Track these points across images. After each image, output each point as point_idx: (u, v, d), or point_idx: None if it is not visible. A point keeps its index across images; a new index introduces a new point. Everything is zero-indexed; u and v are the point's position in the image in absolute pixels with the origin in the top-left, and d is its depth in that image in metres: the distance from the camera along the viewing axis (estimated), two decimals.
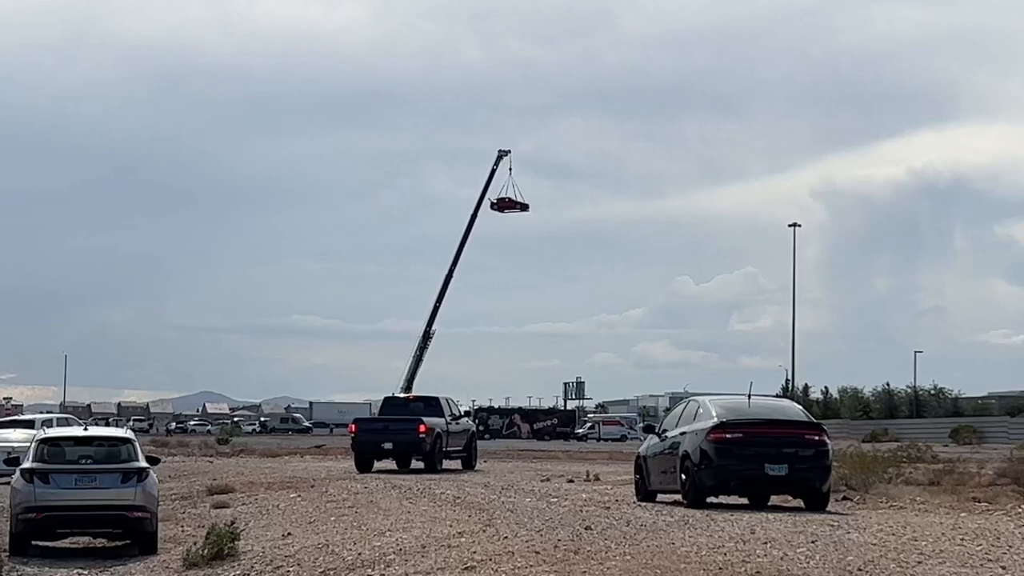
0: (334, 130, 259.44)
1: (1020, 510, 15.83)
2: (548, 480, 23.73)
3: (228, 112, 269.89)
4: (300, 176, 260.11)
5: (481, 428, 67.60)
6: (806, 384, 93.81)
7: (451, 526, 13.54)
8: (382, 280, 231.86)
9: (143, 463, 15.75)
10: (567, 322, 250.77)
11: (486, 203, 77.30)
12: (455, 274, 77.19)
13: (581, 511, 14.89)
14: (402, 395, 41.68)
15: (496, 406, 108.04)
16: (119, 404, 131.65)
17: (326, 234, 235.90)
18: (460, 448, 29.22)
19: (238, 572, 12.65)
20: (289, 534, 14.79)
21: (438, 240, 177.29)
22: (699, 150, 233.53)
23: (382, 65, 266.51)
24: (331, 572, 11.49)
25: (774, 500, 16.91)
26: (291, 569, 12.10)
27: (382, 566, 11.19)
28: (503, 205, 76.95)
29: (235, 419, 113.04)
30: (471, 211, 77.89)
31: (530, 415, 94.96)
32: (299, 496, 19.58)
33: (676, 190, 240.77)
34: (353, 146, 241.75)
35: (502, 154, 76.97)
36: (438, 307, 76.72)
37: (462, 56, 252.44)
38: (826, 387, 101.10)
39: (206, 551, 13.47)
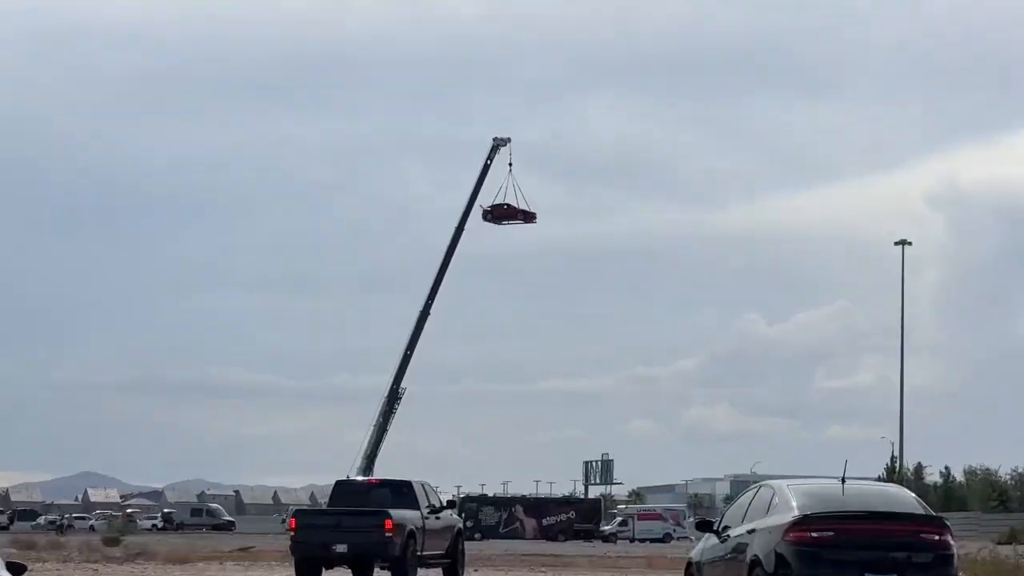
0: (272, 114, 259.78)
1: None
2: None
3: (126, 90, 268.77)
4: (223, 178, 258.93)
5: (470, 524, 69.15)
6: (919, 463, 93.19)
7: None
8: (334, 319, 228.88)
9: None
10: (590, 377, 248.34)
11: (477, 211, 78.18)
12: (433, 310, 78.21)
13: None
14: (360, 478, 42.19)
15: (491, 494, 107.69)
16: None
17: (259, 256, 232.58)
18: (441, 552, 28.66)
19: None
20: None
21: (411, 263, 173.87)
22: (773, 141, 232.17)
23: (338, 26, 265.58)
24: None
25: None
26: None
27: None
28: (500, 214, 77.81)
29: (129, 511, 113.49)
30: (456, 222, 78.56)
31: (538, 507, 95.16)
32: None
33: (741, 196, 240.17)
34: (297, 136, 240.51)
35: (499, 144, 77.99)
36: (409, 356, 77.57)
37: (448, 12, 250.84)
38: (947, 467, 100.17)
39: None
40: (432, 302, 77.86)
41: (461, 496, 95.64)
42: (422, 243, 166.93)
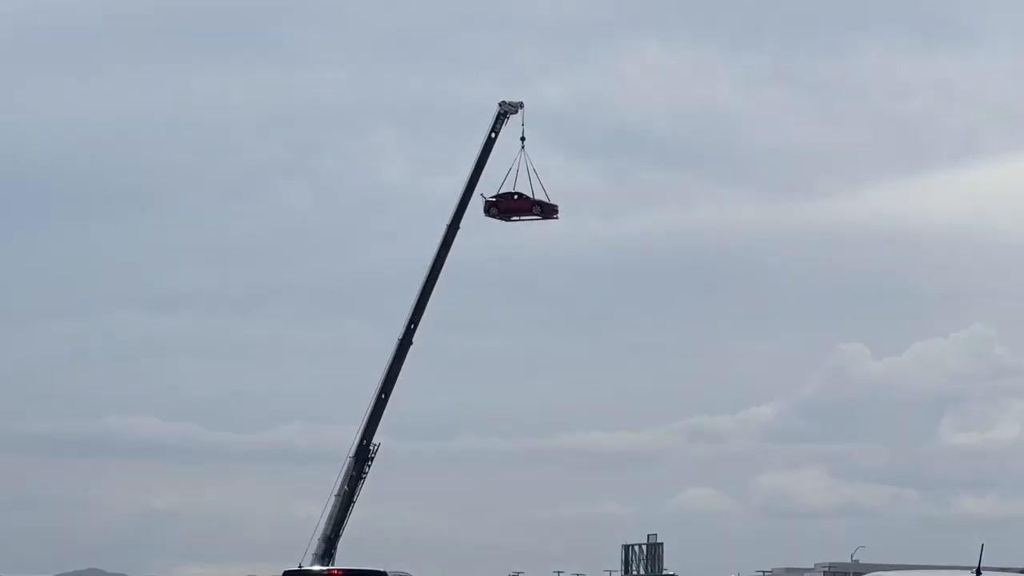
0: (195, 68, 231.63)
1: None
2: None
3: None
4: (126, 156, 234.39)
5: None
6: None
7: None
8: (278, 349, 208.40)
9: None
10: (631, 430, 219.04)
11: (477, 203, 74.80)
12: (417, 339, 74.71)
13: None
14: (317, 568, 42.19)
15: None
16: None
17: (174, 262, 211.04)
18: None
19: None
20: None
21: (386, 274, 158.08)
22: (884, 107, 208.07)
23: None
24: None
25: None
26: None
27: None
28: (509, 207, 75.00)
29: None
30: (448, 218, 74.81)
31: None
32: None
33: (839, 181, 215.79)
34: (231, 98, 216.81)
35: (507, 111, 74.79)
36: (384, 401, 74.40)
37: None
38: None
39: None
40: (415, 327, 74.32)
41: None
42: (401, 246, 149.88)
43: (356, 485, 73.65)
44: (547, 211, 75.22)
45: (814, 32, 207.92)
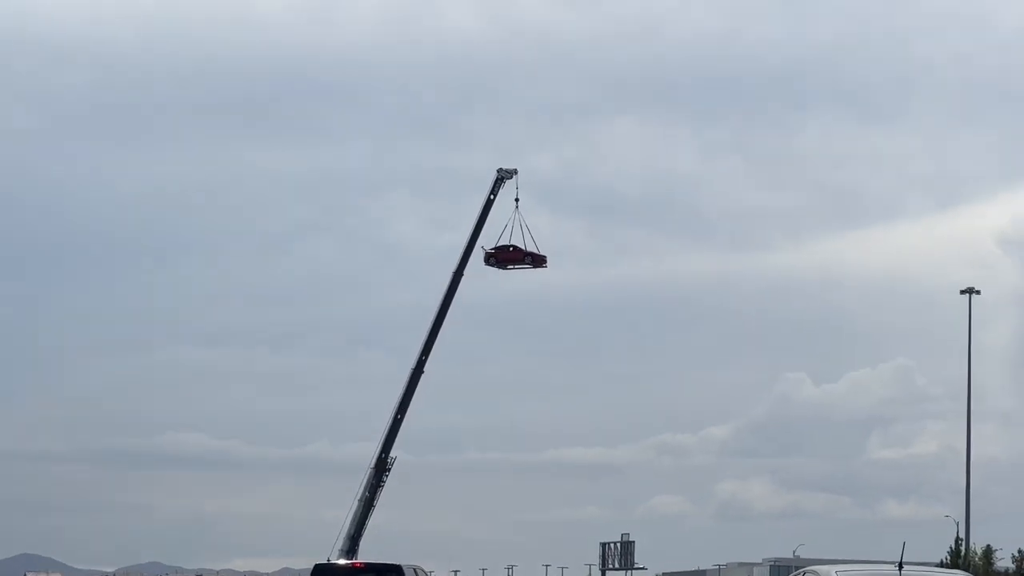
0: (241, 142, 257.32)
1: None
2: None
3: (72, 114, 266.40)
4: (184, 216, 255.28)
5: None
6: (989, 546, 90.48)
7: None
8: (310, 378, 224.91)
9: None
10: (608, 446, 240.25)
11: (478, 254, 77.80)
12: (428, 368, 77.44)
13: None
14: (343, 562, 42.98)
15: None
16: None
17: (220, 305, 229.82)
18: None
19: None
20: None
21: (401, 313, 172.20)
22: (822, 171, 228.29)
23: (320, 42, 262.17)
24: None
25: None
26: None
27: None
28: (505, 257, 77.44)
29: None
30: (454, 267, 78.09)
31: None
32: None
33: (785, 237, 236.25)
34: (270, 167, 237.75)
35: (503, 176, 77.90)
36: (400, 421, 76.83)
37: (445, 26, 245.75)
38: (1021, 551, 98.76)
39: None
40: (426, 358, 76.89)
41: None
42: (414, 290, 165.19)
43: (375, 492, 75.48)
44: (538, 261, 77.24)
45: (764, 110, 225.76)
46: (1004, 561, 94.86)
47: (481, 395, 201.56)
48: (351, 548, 73.02)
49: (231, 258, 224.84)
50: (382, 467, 76.28)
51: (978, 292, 78.35)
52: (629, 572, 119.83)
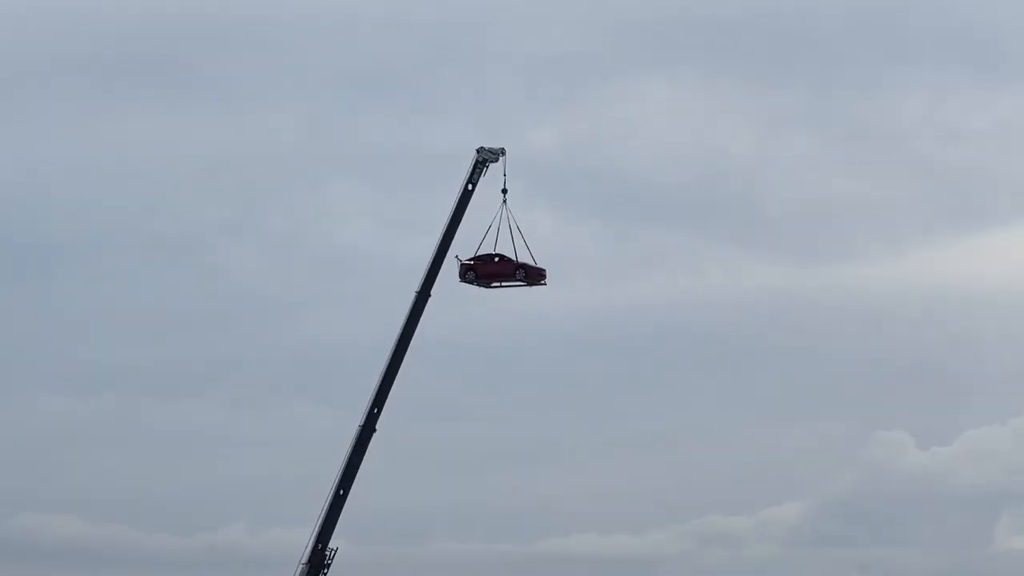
0: (121, 110, 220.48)
1: None
2: None
3: None
4: (42, 208, 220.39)
5: None
6: None
7: None
8: (222, 438, 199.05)
9: None
10: (632, 532, 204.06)
11: (451, 266, 72.45)
12: (381, 426, 71.39)
13: None
14: None
15: None
16: None
17: (96, 338, 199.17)
18: None
19: None
20: None
21: (345, 351, 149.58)
22: (929, 152, 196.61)
23: None
24: None
25: None
26: None
27: None
28: (489, 271, 72.85)
29: None
30: (417, 285, 71.78)
31: None
32: None
33: (878, 241, 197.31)
34: (166, 144, 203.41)
35: (486, 159, 72.40)
36: (343, 499, 70.73)
37: None
38: None
39: None
40: (379, 412, 70.58)
41: None
42: (362, 317, 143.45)
43: None
44: (533, 276, 72.70)
45: (849, 67, 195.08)
46: None
47: (455, 463, 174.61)
48: None
49: (111, 272, 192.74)
50: (319, 562, 70.18)
51: None
52: None
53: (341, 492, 69.88)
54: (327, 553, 69.94)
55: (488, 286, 72.86)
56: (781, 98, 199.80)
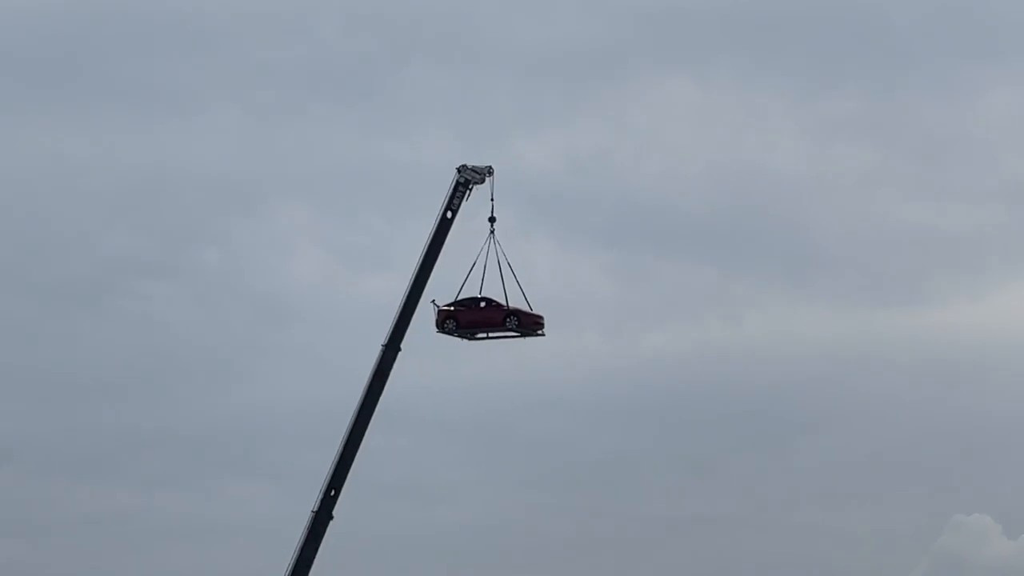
0: (26, 114, 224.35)
1: None
2: None
3: None
4: None
5: None
6: None
7: None
8: (139, 528, 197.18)
9: None
10: None
11: (427, 312, 72.73)
12: (338, 510, 70.68)
13: None
14: None
15: None
16: None
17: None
18: None
19: None
20: None
21: (296, 417, 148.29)
22: (1018, 172, 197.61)
23: None
24: None
25: None
26: None
27: None
28: (473, 318, 73.55)
29: None
30: (385, 336, 71.67)
31: None
32: None
33: (954, 282, 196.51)
34: (72, 159, 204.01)
35: (470, 179, 72.74)
36: None
37: None
38: None
39: None
40: (336, 495, 70.07)
41: None
42: (317, 375, 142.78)
43: None
44: (527, 324, 72.78)
45: (915, 64, 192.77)
46: None
47: (434, 558, 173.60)
48: None
49: (24, 306, 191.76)
50: None
51: None
52: None
53: None
54: None
55: (472, 337, 73.11)
56: (834, 103, 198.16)
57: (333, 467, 70.06)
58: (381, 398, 70.78)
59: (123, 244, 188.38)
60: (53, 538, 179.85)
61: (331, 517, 69.44)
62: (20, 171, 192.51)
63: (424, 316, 71.27)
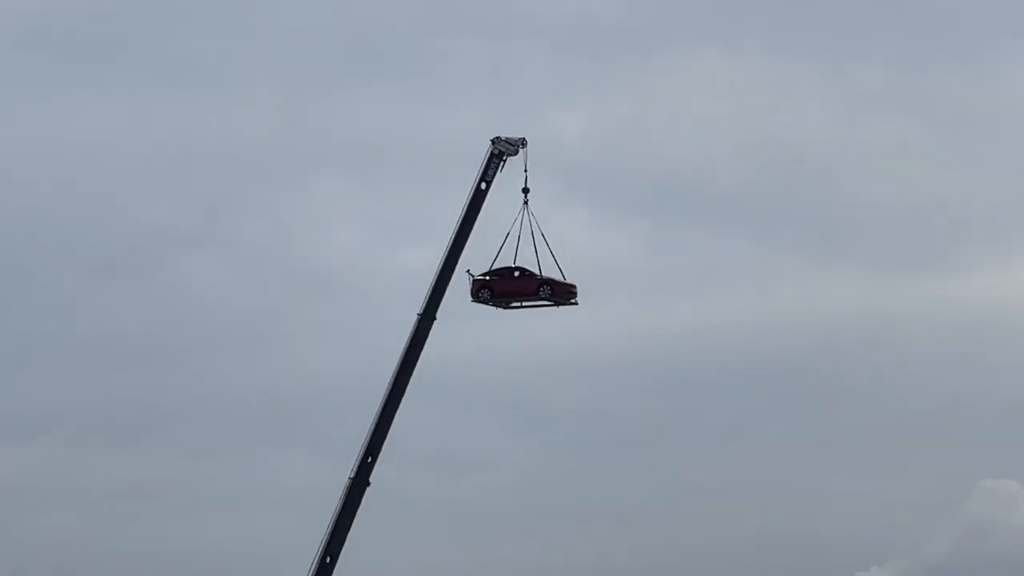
0: (67, 92, 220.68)
1: None
2: None
3: None
4: None
5: None
6: None
7: None
8: (181, 495, 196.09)
9: None
10: None
11: (462, 282, 72.40)
12: (375, 476, 70.41)
13: None
14: None
15: None
16: None
17: (35, 376, 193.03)
18: None
19: None
20: None
21: (333, 385, 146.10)
22: None
23: None
24: None
25: None
26: None
27: None
28: (507, 288, 73.44)
29: None
30: (420, 304, 71.23)
31: None
32: None
33: (983, 250, 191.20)
34: (113, 134, 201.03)
35: (504, 151, 72.36)
36: (330, 567, 70.31)
37: None
38: None
39: None
40: (373, 461, 69.77)
41: None
42: (354, 345, 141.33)
43: None
44: (560, 293, 72.49)
45: (948, 36, 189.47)
46: None
47: (469, 523, 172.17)
48: None
49: (42, 294, 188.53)
50: None
51: None
52: None
53: (328, 560, 69.56)
54: None
55: (506, 306, 73.10)
56: (866, 74, 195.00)
57: (370, 434, 70.04)
58: (416, 366, 70.75)
59: (164, 215, 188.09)
60: (95, 508, 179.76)
61: (368, 484, 69.58)
62: (61, 144, 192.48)
63: (460, 286, 71.44)
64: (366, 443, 69.95)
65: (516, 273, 71.81)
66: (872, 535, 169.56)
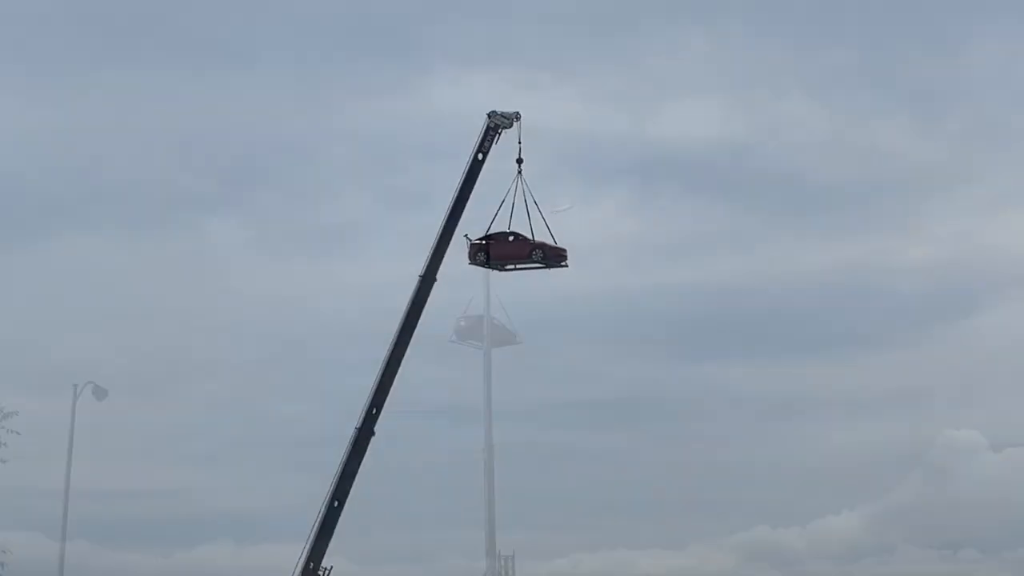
0: (95, 68, 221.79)
1: None
2: None
3: None
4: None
5: None
6: None
7: None
8: (207, 438, 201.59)
9: None
10: (671, 547, 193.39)
11: (459, 245, 73.33)
12: (379, 427, 71.55)
13: None
14: None
15: None
16: None
17: (64, 337, 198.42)
18: None
19: None
20: None
21: (338, 337, 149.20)
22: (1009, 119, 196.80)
23: None
24: None
25: None
26: None
27: None
28: (502, 251, 74.16)
29: None
30: (421, 268, 72.60)
31: None
32: None
33: (948, 214, 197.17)
34: (135, 107, 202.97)
35: (499, 124, 73.87)
36: (337, 512, 71.67)
37: None
38: None
39: None
40: (378, 412, 71.22)
41: None
42: (359, 304, 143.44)
43: None
44: (552, 257, 73.09)
45: (907, 19, 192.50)
46: None
47: (469, 468, 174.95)
48: None
49: (69, 254, 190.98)
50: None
51: None
52: None
53: (336, 504, 70.54)
54: (320, 573, 70.62)
55: (502, 268, 74.29)
56: (835, 51, 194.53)
57: (374, 388, 71.28)
58: (418, 324, 72.09)
59: (188, 184, 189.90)
60: (120, 453, 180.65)
61: (373, 433, 71.06)
62: (92, 118, 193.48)
63: (458, 249, 72.73)
64: (371, 396, 71.37)
65: (511, 238, 72.82)
66: (832, 481, 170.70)
